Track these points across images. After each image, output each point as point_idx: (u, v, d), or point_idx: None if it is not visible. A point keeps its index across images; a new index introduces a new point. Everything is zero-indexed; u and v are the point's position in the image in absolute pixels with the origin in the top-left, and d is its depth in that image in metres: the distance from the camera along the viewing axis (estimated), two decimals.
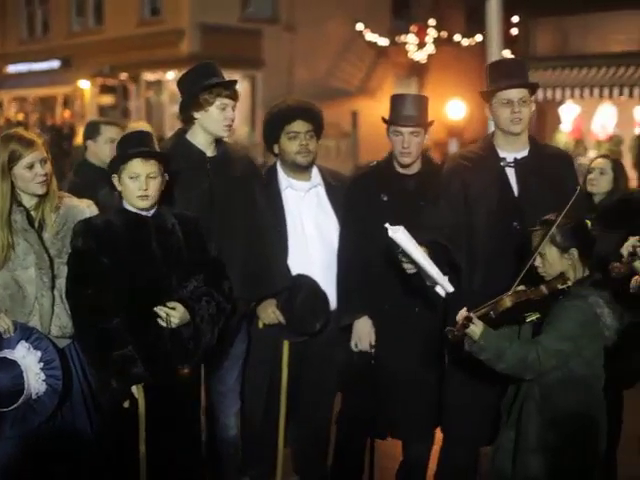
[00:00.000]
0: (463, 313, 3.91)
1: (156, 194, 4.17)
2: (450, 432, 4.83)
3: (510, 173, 4.71)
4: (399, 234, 4.31)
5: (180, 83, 4.77)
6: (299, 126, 4.94)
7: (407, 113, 4.78)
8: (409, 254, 4.37)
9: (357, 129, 24.31)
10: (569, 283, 4.03)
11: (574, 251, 4.08)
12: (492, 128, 4.91)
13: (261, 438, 5.07)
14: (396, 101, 4.86)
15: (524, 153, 4.73)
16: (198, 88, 4.61)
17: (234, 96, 4.70)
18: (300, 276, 4.94)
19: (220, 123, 4.66)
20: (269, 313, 4.93)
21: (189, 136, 4.74)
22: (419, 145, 4.82)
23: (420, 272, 4.49)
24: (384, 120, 4.87)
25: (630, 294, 4.29)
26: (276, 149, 5.04)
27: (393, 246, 4.40)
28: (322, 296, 4.96)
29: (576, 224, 4.12)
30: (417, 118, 4.79)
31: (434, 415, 4.89)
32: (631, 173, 18.63)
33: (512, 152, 4.71)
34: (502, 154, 4.72)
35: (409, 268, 4.53)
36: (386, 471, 5.27)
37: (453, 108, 24.44)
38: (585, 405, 4.07)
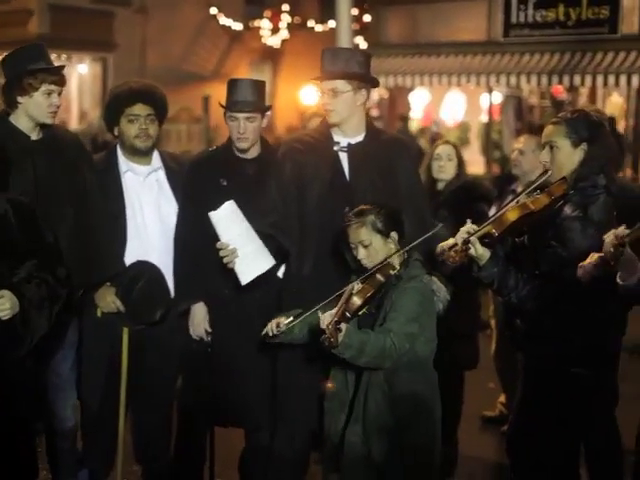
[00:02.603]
0: (328, 318, 3.82)
1: None
2: (285, 416, 4.73)
3: (343, 158, 4.69)
4: (221, 211, 4.34)
5: (4, 64, 4.57)
6: (139, 109, 4.84)
7: (242, 99, 4.73)
8: (232, 231, 4.38)
9: (209, 114, 24.07)
10: (397, 267, 4.09)
11: (394, 235, 4.17)
12: None
13: (100, 428, 4.94)
14: (232, 86, 4.79)
15: (359, 138, 4.72)
16: (23, 72, 4.46)
17: (61, 82, 4.57)
18: (140, 262, 4.83)
19: (45, 110, 4.53)
20: (108, 302, 4.81)
21: (12, 119, 4.58)
22: (256, 130, 4.78)
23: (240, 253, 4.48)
24: (222, 105, 4.81)
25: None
26: (116, 131, 4.93)
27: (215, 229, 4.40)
28: (163, 283, 4.87)
29: (389, 209, 4.20)
30: (252, 104, 4.74)
31: (273, 402, 4.80)
32: (479, 158, 19.18)
33: (347, 137, 4.70)
34: (337, 138, 4.71)
35: (228, 261, 4.51)
36: (229, 458, 5.23)
37: (307, 94, 24.51)
38: (427, 383, 4.16)
